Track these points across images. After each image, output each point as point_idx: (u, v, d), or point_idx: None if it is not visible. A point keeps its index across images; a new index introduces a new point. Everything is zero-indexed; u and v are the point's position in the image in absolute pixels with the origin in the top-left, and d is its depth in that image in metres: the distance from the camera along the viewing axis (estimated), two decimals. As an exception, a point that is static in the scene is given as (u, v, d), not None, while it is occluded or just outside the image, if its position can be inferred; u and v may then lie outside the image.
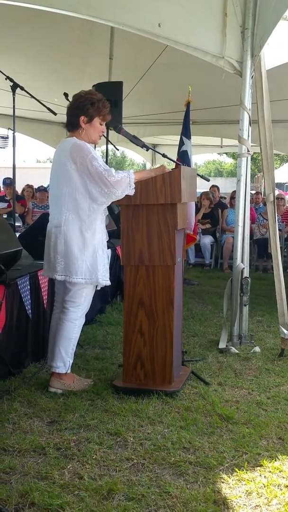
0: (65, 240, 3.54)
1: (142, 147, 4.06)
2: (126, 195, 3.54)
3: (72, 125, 3.68)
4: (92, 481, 2.60)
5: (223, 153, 29.45)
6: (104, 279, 3.65)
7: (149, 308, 3.66)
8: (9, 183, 8.96)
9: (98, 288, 3.75)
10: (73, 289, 3.63)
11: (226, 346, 4.66)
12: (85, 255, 3.54)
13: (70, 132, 3.71)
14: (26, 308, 3.94)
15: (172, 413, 3.35)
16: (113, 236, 5.11)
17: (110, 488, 2.54)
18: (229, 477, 2.66)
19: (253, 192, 12.21)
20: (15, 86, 5.35)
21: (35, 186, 11.02)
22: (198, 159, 47.39)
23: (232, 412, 3.35)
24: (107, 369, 4.11)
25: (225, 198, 11.54)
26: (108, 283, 3.69)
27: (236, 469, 2.73)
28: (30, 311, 3.98)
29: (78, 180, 3.50)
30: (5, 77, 5.27)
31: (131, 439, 3.03)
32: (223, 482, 2.62)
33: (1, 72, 5.25)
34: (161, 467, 2.76)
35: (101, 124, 3.69)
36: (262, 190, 14.69)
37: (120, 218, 3.72)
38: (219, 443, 2.99)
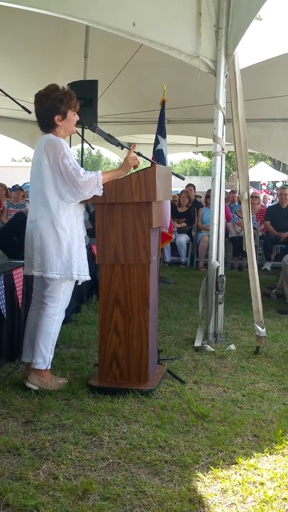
0: (40, 235, 3.55)
1: (117, 146, 4.04)
2: (96, 195, 3.54)
3: (47, 126, 3.66)
4: (67, 481, 2.59)
5: (199, 152, 29.56)
6: (83, 274, 3.63)
7: (124, 307, 3.65)
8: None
9: (79, 283, 3.73)
10: (51, 284, 3.62)
11: (202, 344, 4.67)
12: (60, 251, 3.54)
13: (46, 133, 3.67)
14: (1, 307, 3.89)
15: (147, 412, 3.35)
16: (88, 235, 5.10)
17: (85, 488, 2.52)
18: (204, 475, 2.67)
19: (228, 190, 12.29)
20: (-12, 84, 5.29)
21: (11, 185, 10.92)
22: (173, 158, 47.53)
23: (208, 410, 3.36)
24: (82, 368, 4.09)
25: (200, 197, 11.58)
26: (88, 278, 3.69)
27: (212, 467, 2.73)
28: (4, 310, 3.93)
29: (49, 176, 3.52)
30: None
31: (107, 438, 3.02)
32: (198, 481, 2.63)
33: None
34: (136, 466, 2.75)
35: (74, 115, 3.69)
36: (237, 189, 14.79)
37: (95, 216, 3.71)
38: (194, 442, 2.99)
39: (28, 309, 3.90)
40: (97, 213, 3.68)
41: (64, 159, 3.48)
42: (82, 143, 7.94)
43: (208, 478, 2.64)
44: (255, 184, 27.61)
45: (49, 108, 3.60)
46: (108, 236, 3.65)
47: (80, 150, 8.36)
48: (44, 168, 3.52)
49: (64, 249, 3.54)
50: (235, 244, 9.25)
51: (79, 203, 3.63)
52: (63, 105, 3.60)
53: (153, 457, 2.83)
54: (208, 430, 3.14)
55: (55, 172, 3.49)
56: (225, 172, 5.08)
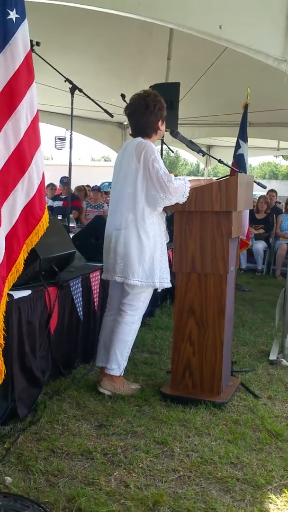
0: (124, 242, 3.53)
1: (198, 152, 4.00)
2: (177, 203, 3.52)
3: (149, 130, 3.62)
4: (138, 491, 2.59)
5: (280, 155, 28.78)
6: (165, 282, 3.61)
7: (199, 317, 3.61)
8: (66, 182, 9.08)
9: (159, 290, 3.71)
10: (131, 292, 3.62)
11: (277, 358, 4.54)
12: (143, 258, 3.52)
13: (141, 137, 3.63)
14: (78, 309, 3.97)
15: (220, 425, 3.30)
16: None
17: (156, 499, 2.52)
18: (277, 497, 2.59)
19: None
20: (73, 88, 5.40)
21: (90, 183, 11.13)
22: (253, 161, 46.70)
23: (282, 429, 3.26)
24: (155, 374, 4.09)
25: (280, 203, 11.26)
26: (169, 285, 3.65)
27: (285, 490, 2.65)
28: (81, 313, 4.01)
29: (139, 180, 3.48)
30: (65, 79, 5.33)
31: (178, 449, 3.00)
32: (271, 503, 2.56)
33: (61, 74, 5.31)
34: (207, 482, 2.72)
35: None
36: None
37: (174, 223, 3.69)
38: (267, 461, 2.92)
39: (103, 312, 3.94)
40: (175, 221, 3.67)
41: (155, 163, 3.44)
42: (162, 145, 7.94)
43: (281, 501, 2.57)
44: None
45: (157, 113, 3.60)
46: (186, 245, 3.62)
47: (160, 152, 8.38)
48: (135, 172, 3.48)
49: (146, 257, 3.53)
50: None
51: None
52: (164, 110, 3.63)
53: (225, 473, 2.78)
54: (282, 449, 3.05)
55: (144, 176, 3.47)
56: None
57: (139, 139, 3.59)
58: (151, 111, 3.57)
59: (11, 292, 3.05)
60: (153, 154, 3.47)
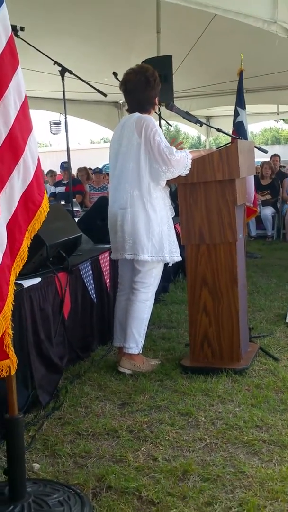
0: (132, 220, 3.52)
1: (195, 123, 3.96)
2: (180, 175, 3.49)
3: (147, 106, 3.62)
4: (166, 463, 2.62)
5: (280, 119, 28.37)
6: (174, 255, 3.61)
7: (212, 287, 3.61)
8: (67, 167, 9.05)
9: (170, 265, 3.71)
10: (142, 269, 3.62)
11: (294, 320, 4.55)
12: (152, 233, 3.51)
13: (138, 112, 3.60)
14: (90, 292, 3.98)
15: (242, 391, 3.31)
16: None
17: (185, 469, 2.54)
18: (305, 456, 2.61)
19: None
20: (63, 71, 5.33)
21: (92, 167, 11.07)
22: (254, 127, 46.15)
23: (305, 388, 3.27)
24: (174, 348, 4.11)
25: (284, 167, 11.15)
26: (179, 258, 3.65)
27: (312, 448, 2.67)
28: (94, 295, 4.02)
29: (142, 155, 3.46)
30: (53, 62, 5.26)
31: (203, 418, 3.02)
32: (299, 461, 2.57)
33: (49, 57, 5.23)
34: (234, 447, 2.74)
35: None
36: None
37: (178, 196, 3.67)
38: (292, 421, 2.93)
39: (116, 293, 3.95)
40: (180, 194, 3.65)
41: (156, 136, 3.42)
42: (160, 120, 7.86)
43: (309, 459, 2.58)
44: None
45: (156, 89, 3.59)
46: (192, 216, 3.61)
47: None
48: (137, 147, 3.46)
49: (155, 232, 3.51)
50: None
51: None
52: (159, 85, 3.61)
53: (251, 436, 2.80)
54: (306, 409, 3.06)
55: (146, 150, 3.44)
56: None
57: (137, 114, 3.56)
58: (152, 87, 3.56)
59: (20, 282, 3.07)
60: (154, 128, 3.45)
